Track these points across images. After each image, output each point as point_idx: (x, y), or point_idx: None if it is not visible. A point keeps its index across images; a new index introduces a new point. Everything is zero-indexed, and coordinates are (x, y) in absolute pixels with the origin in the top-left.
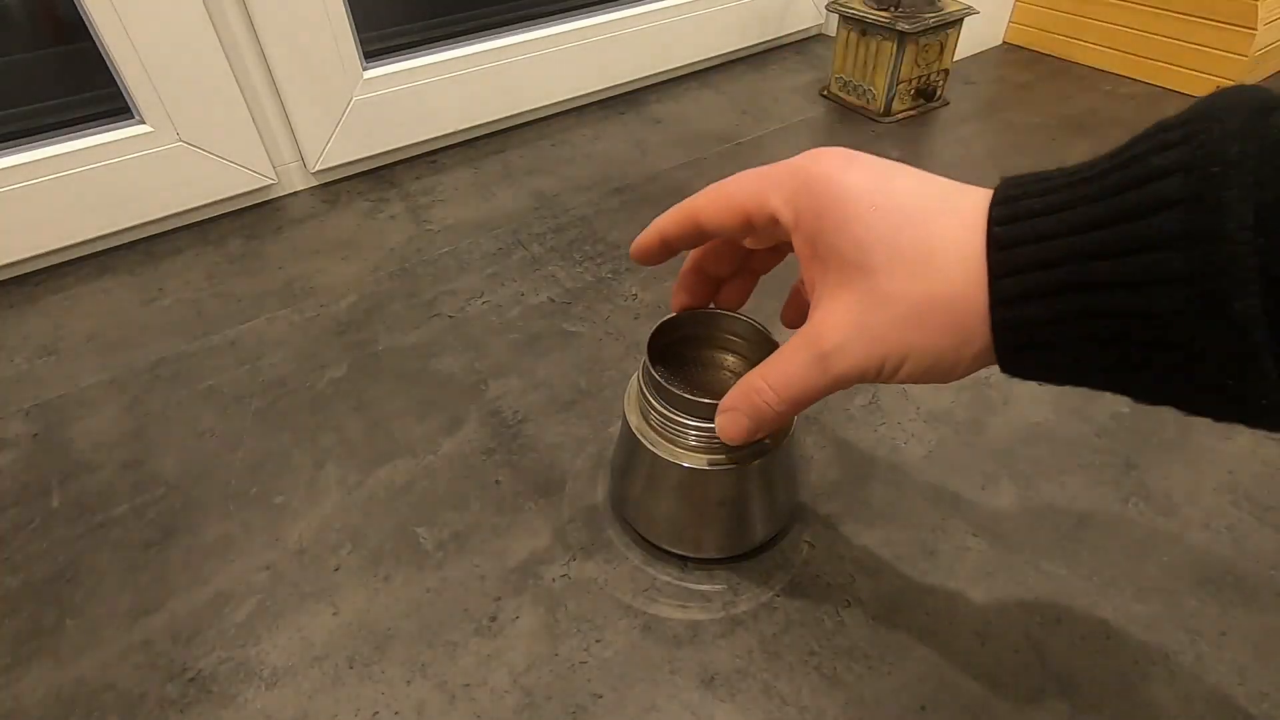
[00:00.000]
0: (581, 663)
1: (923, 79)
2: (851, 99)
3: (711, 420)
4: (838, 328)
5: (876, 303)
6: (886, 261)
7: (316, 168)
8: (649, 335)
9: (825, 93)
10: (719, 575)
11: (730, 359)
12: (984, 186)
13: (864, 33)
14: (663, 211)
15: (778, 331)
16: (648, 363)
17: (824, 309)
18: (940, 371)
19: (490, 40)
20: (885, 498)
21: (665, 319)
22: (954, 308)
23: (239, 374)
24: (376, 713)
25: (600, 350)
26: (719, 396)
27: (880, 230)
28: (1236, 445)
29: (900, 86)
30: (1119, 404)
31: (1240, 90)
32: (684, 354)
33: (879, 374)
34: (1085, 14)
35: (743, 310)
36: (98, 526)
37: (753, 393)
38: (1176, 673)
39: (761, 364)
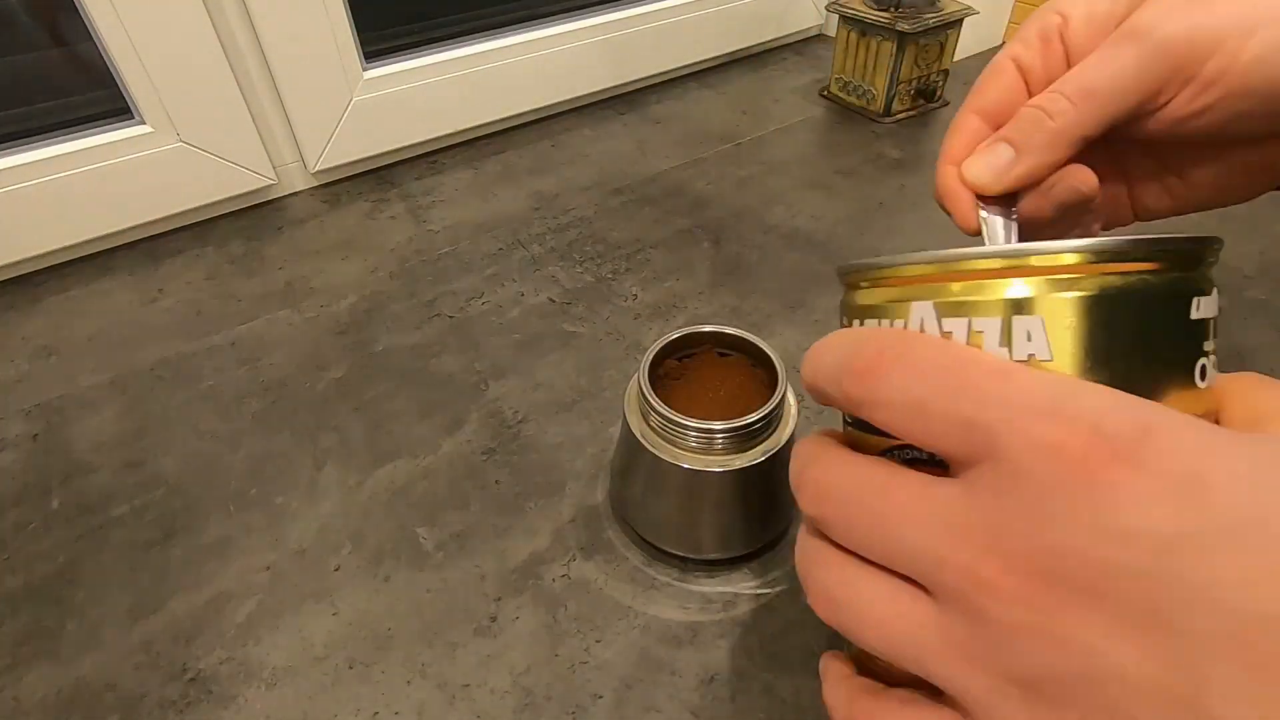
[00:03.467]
0: (581, 663)
1: (923, 79)
2: (851, 99)
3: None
4: (1157, 8)
5: None
6: None
7: (316, 168)
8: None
9: (825, 93)
10: (719, 576)
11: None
12: None
13: (864, 33)
14: (662, 211)
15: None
16: (644, 381)
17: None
18: None
19: (490, 40)
20: None
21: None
22: None
23: (239, 374)
24: (376, 713)
25: (600, 350)
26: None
27: None
28: None
29: (900, 87)
30: None
31: None
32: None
33: (1219, 46)
34: None
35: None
36: (98, 526)
37: (1025, 109)
38: None
39: None
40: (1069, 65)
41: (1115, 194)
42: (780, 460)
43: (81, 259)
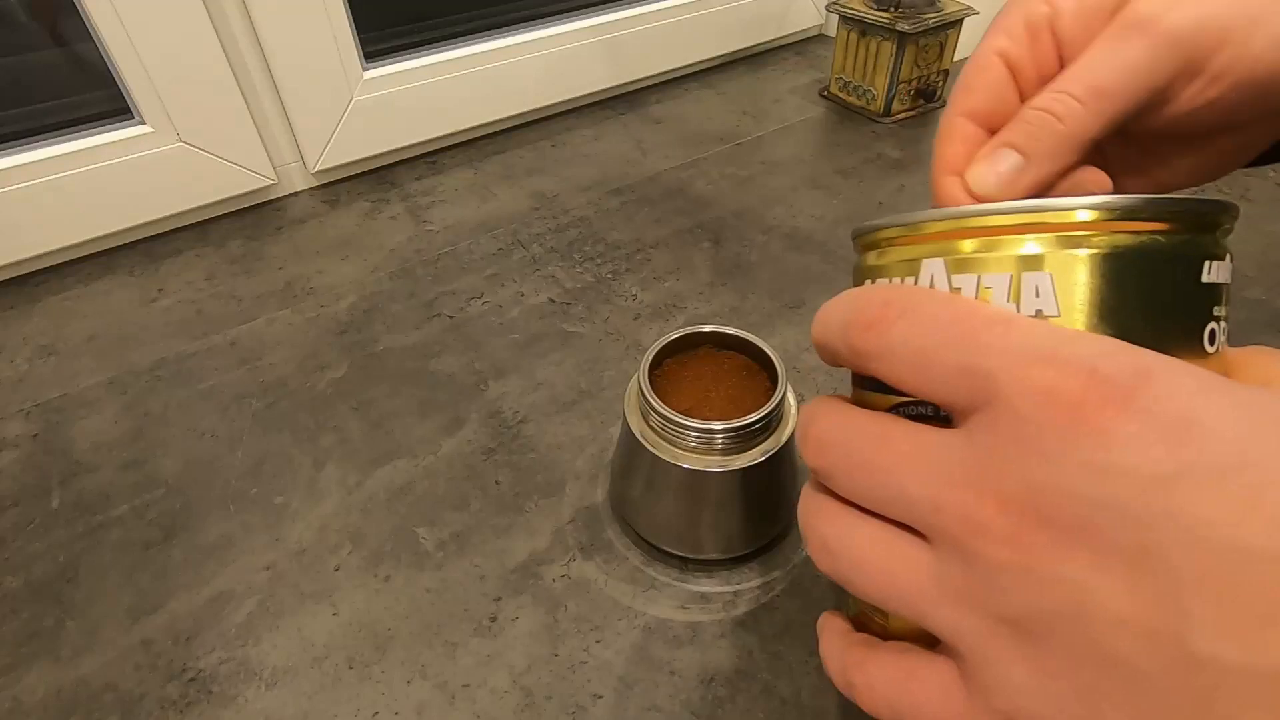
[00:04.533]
0: (581, 663)
1: (923, 79)
2: (851, 99)
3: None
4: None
5: None
6: None
7: (316, 168)
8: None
9: (825, 93)
10: (719, 576)
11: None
12: None
13: (864, 33)
14: (662, 211)
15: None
16: (644, 381)
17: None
18: None
19: (490, 40)
20: None
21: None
22: None
23: (239, 374)
24: (376, 713)
25: (600, 350)
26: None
27: None
28: None
29: (900, 87)
30: None
31: None
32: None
33: (1227, 38)
34: None
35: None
36: (98, 526)
37: (1030, 110)
38: None
39: None
40: (1061, 59)
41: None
42: (780, 460)
43: (81, 259)
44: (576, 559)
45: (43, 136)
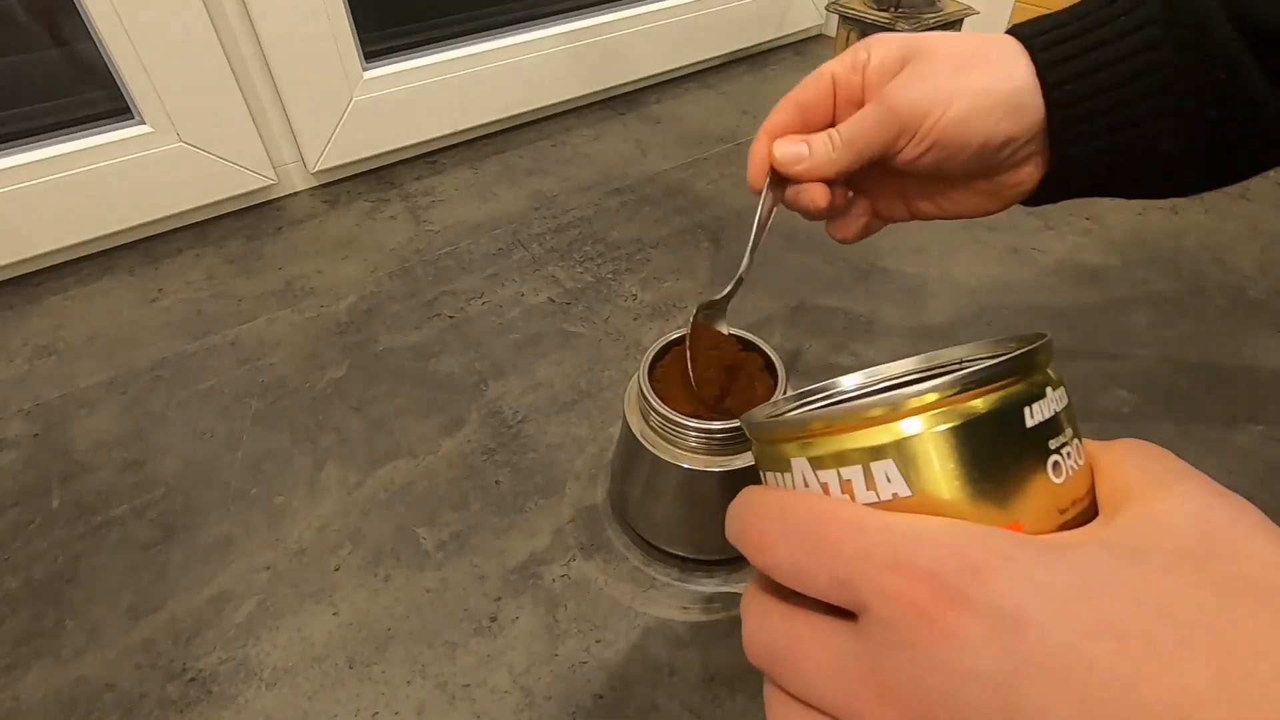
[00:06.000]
0: (581, 663)
1: None
2: None
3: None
4: (898, 83)
5: (931, 59)
6: (945, 45)
7: (316, 168)
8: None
9: None
10: (719, 576)
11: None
12: None
13: (864, 33)
14: (662, 211)
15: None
16: (644, 380)
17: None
18: (984, 117)
19: (490, 40)
20: None
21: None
22: (1003, 61)
23: (239, 374)
24: (376, 713)
25: (600, 350)
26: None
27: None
28: (1236, 444)
29: None
30: (1118, 403)
31: None
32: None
33: (929, 113)
34: None
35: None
36: (98, 526)
37: (820, 133)
38: None
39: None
40: (863, 89)
41: (894, 204)
42: None
43: (81, 259)
44: (576, 559)
45: (43, 136)
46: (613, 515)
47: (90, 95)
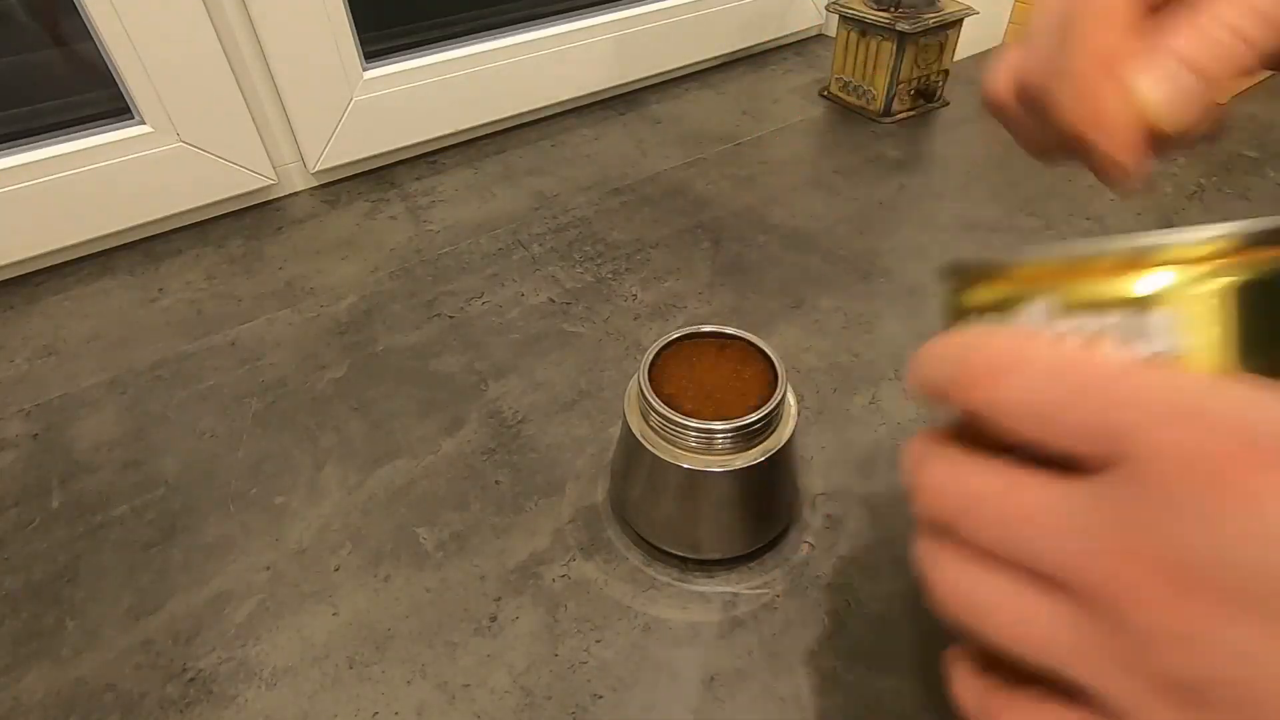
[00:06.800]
0: (581, 663)
1: (923, 79)
2: (851, 99)
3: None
4: None
5: None
6: None
7: (316, 168)
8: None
9: (825, 93)
10: (719, 576)
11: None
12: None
13: (864, 33)
14: (662, 211)
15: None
16: (644, 380)
17: None
18: None
19: (490, 40)
20: (885, 498)
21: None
22: None
23: (239, 374)
24: (376, 713)
25: (600, 350)
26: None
27: None
28: None
29: (900, 87)
30: None
31: None
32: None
33: None
34: None
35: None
36: (98, 526)
37: (1215, 29)
38: None
39: None
40: None
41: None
42: (780, 460)
43: (81, 259)
44: (576, 559)
45: (43, 136)
46: (613, 515)
47: (90, 95)
